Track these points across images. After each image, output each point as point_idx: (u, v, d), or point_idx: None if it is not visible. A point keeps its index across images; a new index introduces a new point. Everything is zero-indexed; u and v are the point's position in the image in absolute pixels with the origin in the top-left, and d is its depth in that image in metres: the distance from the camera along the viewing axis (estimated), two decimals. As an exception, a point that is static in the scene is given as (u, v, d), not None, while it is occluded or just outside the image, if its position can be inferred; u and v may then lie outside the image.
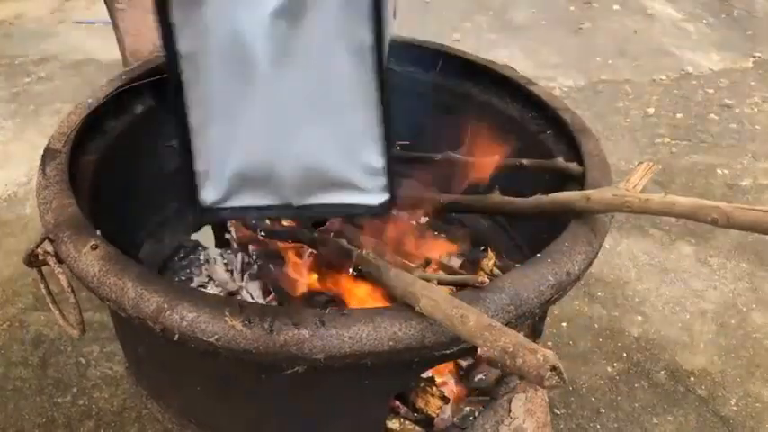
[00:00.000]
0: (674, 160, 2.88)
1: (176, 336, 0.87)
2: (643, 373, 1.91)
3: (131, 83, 1.38)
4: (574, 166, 1.26)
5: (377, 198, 0.93)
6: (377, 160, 0.91)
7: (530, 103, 1.47)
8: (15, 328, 1.95)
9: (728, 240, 2.40)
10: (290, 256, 1.41)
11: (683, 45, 3.89)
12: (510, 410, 1.28)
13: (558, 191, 1.14)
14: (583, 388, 1.86)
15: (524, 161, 1.36)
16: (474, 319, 0.78)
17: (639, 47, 3.85)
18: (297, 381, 0.95)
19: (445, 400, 1.22)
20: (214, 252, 1.61)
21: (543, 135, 1.43)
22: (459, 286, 0.96)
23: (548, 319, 2.03)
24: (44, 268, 1.05)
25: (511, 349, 0.71)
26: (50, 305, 1.09)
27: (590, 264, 1.05)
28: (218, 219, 0.93)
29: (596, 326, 2.06)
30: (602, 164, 1.23)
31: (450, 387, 1.25)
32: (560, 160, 1.29)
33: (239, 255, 1.56)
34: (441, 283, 0.95)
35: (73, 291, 1.02)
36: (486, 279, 0.93)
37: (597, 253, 1.07)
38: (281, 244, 1.41)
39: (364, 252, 1.05)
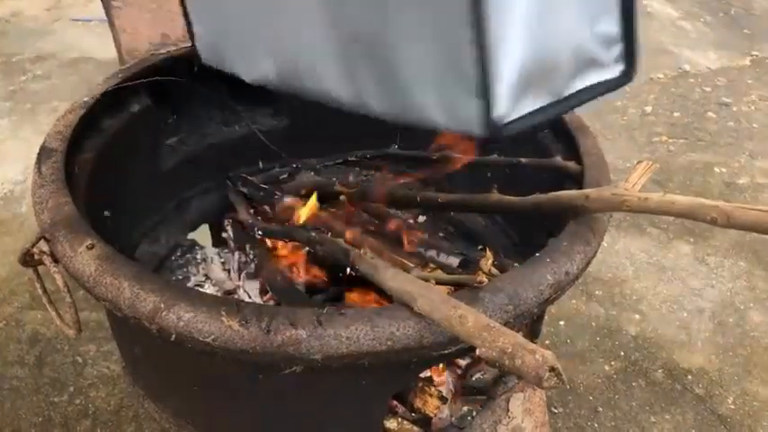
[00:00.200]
0: (671, 159, 2.88)
1: (173, 336, 0.87)
2: (641, 372, 1.91)
3: (128, 81, 1.37)
4: (572, 164, 1.26)
5: (615, 70, 0.92)
6: (614, 29, 0.89)
7: (528, 101, 1.46)
8: (11, 327, 1.94)
9: (726, 239, 2.40)
10: (288, 255, 1.41)
11: (680, 43, 3.89)
12: (508, 410, 1.28)
13: (556, 190, 1.14)
14: (581, 387, 1.86)
15: (522, 160, 1.35)
16: (472, 319, 0.78)
17: (637, 45, 3.84)
18: (294, 381, 0.95)
19: (443, 399, 1.22)
20: (211, 251, 1.61)
21: (541, 133, 1.42)
22: (458, 286, 0.96)
23: (545, 317, 2.03)
24: (40, 268, 1.05)
25: (509, 350, 0.71)
26: (46, 305, 1.08)
27: (588, 263, 1.04)
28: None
29: (594, 325, 2.06)
30: (600, 162, 1.23)
31: (448, 387, 1.25)
32: (558, 159, 1.29)
33: (236, 254, 1.55)
34: (439, 282, 0.94)
35: (69, 290, 1.02)
36: (484, 279, 0.92)
37: (596, 252, 1.06)
38: (278, 243, 1.41)
39: (361, 251, 1.05)
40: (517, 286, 0.93)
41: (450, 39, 0.80)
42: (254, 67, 1.11)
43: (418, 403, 1.21)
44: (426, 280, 0.93)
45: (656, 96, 3.36)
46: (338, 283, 1.30)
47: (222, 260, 1.58)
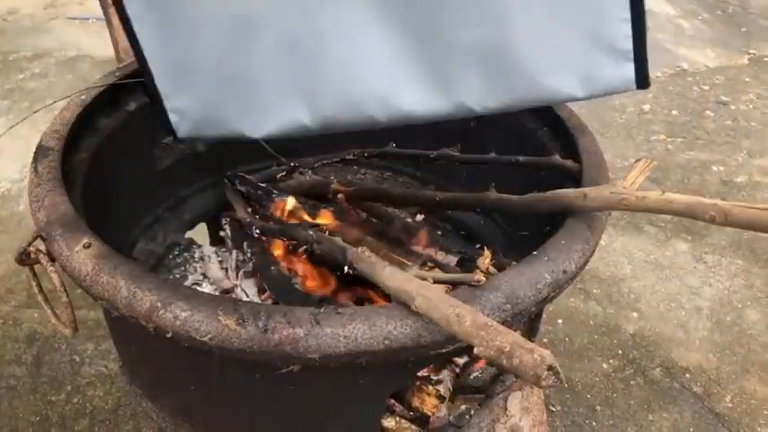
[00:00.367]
0: (669, 157, 2.88)
1: (169, 335, 0.87)
2: (638, 371, 1.91)
3: (125, 80, 1.36)
4: (570, 163, 1.25)
5: None
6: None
7: (526, 99, 1.46)
8: (9, 325, 1.94)
9: (724, 237, 2.40)
10: (286, 253, 1.41)
11: (678, 41, 3.89)
12: (506, 409, 1.28)
13: (554, 188, 1.14)
14: (579, 385, 1.86)
15: (520, 158, 1.35)
16: (470, 318, 0.77)
17: (635, 43, 3.84)
18: (292, 380, 0.94)
19: (441, 398, 1.22)
20: (209, 250, 1.60)
21: (540, 132, 1.42)
22: (456, 285, 0.96)
23: (543, 316, 2.03)
24: (36, 266, 1.05)
25: (507, 349, 0.70)
26: (43, 304, 1.08)
27: (587, 262, 1.04)
28: None
29: (592, 323, 2.06)
30: (598, 161, 1.23)
31: (446, 385, 1.25)
32: (557, 157, 1.29)
33: (234, 252, 1.55)
34: (436, 281, 0.94)
35: (65, 289, 1.01)
36: (482, 277, 0.92)
37: (594, 251, 1.06)
38: (276, 242, 1.41)
39: (359, 250, 1.04)
40: (515, 285, 0.93)
41: (600, 23, 0.96)
42: (272, 120, 1.05)
43: (416, 402, 1.21)
44: (424, 279, 0.92)
45: (655, 95, 3.36)
46: (336, 281, 1.30)
47: (220, 259, 1.57)
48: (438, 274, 1.14)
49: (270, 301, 1.41)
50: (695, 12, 4.27)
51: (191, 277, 1.53)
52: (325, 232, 1.23)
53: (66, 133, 1.19)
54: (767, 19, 4.22)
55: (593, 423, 1.76)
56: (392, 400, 1.21)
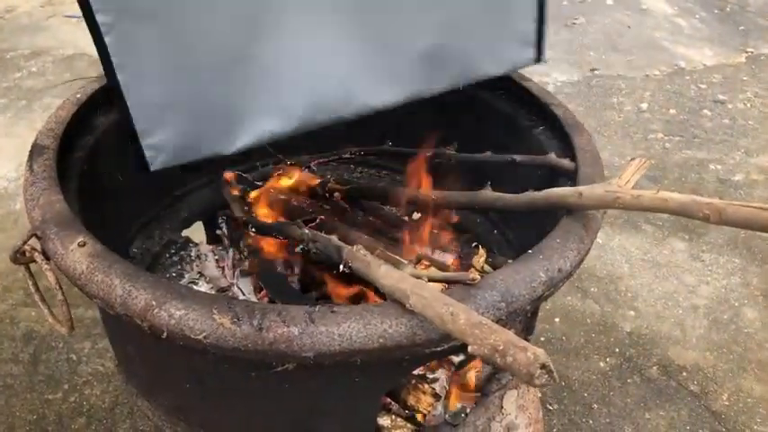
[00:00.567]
0: (666, 156, 2.89)
1: (164, 333, 0.87)
2: (635, 369, 1.91)
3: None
4: (566, 161, 1.26)
5: None
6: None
7: (522, 98, 1.47)
8: (6, 324, 1.94)
9: (721, 236, 2.41)
10: (282, 252, 1.40)
11: (676, 40, 3.89)
12: (502, 407, 1.28)
13: (550, 187, 1.14)
14: (576, 383, 1.86)
15: (516, 157, 1.35)
16: (464, 316, 0.77)
17: (633, 42, 3.85)
18: (286, 378, 0.94)
19: (437, 397, 1.22)
20: (205, 248, 1.60)
21: (536, 130, 1.42)
22: (450, 283, 0.96)
23: (540, 314, 2.03)
24: (32, 265, 1.04)
25: (501, 347, 0.71)
26: (39, 302, 1.08)
27: (582, 260, 1.04)
28: None
29: (589, 321, 2.06)
30: (594, 159, 1.23)
31: (442, 384, 1.25)
32: (552, 156, 1.29)
33: (230, 251, 1.55)
34: (431, 280, 0.94)
35: (60, 288, 1.01)
36: (476, 276, 0.92)
37: (589, 249, 1.06)
38: (272, 240, 1.41)
39: (355, 248, 1.04)
40: (510, 283, 0.93)
41: (515, 24, 1.36)
42: (246, 134, 1.13)
43: (411, 401, 1.21)
44: (419, 277, 0.92)
45: (652, 93, 3.36)
46: (332, 280, 1.30)
47: (216, 257, 1.57)
48: (433, 272, 1.13)
49: (266, 300, 1.42)
50: (693, 10, 4.27)
51: (187, 276, 1.53)
52: (320, 231, 1.23)
53: (61, 132, 1.19)
54: (765, 17, 4.22)
55: (590, 421, 1.76)
56: (388, 399, 1.21)
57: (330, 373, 0.97)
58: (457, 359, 1.27)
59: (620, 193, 1.00)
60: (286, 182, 1.57)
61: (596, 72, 3.53)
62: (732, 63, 3.70)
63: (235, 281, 1.50)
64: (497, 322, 0.89)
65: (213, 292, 1.46)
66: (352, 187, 1.53)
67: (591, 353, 1.96)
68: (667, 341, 2.01)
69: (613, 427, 1.75)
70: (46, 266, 1.00)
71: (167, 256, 1.56)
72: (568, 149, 1.28)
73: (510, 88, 1.49)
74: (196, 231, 1.67)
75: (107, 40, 0.98)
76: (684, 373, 1.91)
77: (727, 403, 1.83)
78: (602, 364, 1.93)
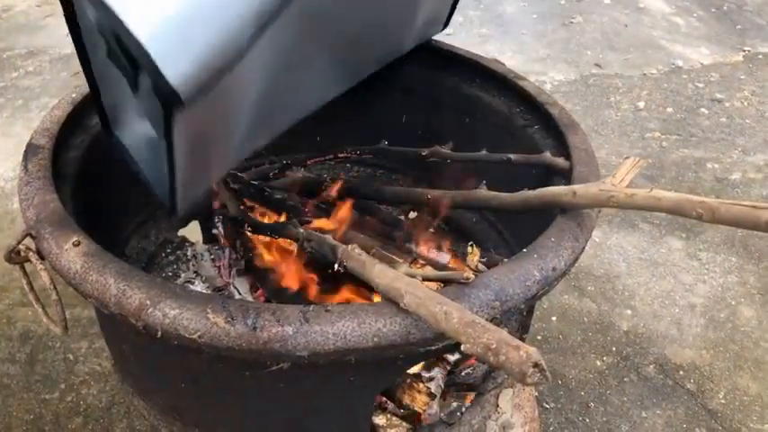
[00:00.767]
0: (664, 154, 2.89)
1: (159, 333, 0.87)
2: (632, 367, 1.92)
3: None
4: (561, 160, 1.26)
5: None
6: None
7: (517, 97, 1.47)
8: (3, 324, 1.94)
9: (718, 234, 2.41)
10: (277, 251, 1.41)
11: (673, 39, 3.90)
12: (497, 405, 1.28)
13: (545, 185, 1.14)
14: (572, 382, 1.86)
15: (512, 156, 1.35)
16: (457, 315, 0.77)
17: (630, 40, 3.85)
18: (281, 378, 0.95)
19: (432, 396, 1.22)
20: (201, 248, 1.60)
21: (531, 129, 1.42)
22: (445, 282, 0.96)
23: (537, 313, 2.04)
24: (27, 265, 1.04)
25: (494, 346, 0.71)
26: (33, 302, 1.08)
27: (576, 259, 1.04)
28: None
29: (586, 320, 2.06)
30: (589, 158, 1.23)
31: (437, 382, 1.25)
32: (547, 155, 1.29)
33: (227, 250, 1.55)
34: (425, 279, 0.94)
35: (55, 288, 1.01)
36: (471, 275, 0.92)
37: (584, 248, 1.06)
38: (268, 239, 1.41)
39: (350, 247, 1.04)
40: (504, 282, 0.93)
41: (435, 11, 1.54)
42: (239, 156, 1.20)
43: (407, 399, 1.21)
44: (413, 276, 0.92)
45: (649, 92, 3.36)
46: (328, 279, 1.30)
47: (212, 257, 1.57)
48: (427, 271, 1.14)
49: (263, 299, 1.42)
50: (690, 9, 4.28)
51: (183, 275, 1.53)
52: (315, 230, 1.23)
53: (56, 131, 1.19)
54: (762, 16, 4.22)
55: (587, 420, 1.77)
56: (383, 398, 1.21)
57: (325, 373, 0.97)
58: (453, 358, 1.27)
59: (614, 192, 1.00)
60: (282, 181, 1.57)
61: (593, 71, 3.54)
62: (729, 62, 3.70)
63: (231, 280, 1.50)
64: (492, 321, 0.90)
65: (209, 292, 1.46)
66: (349, 186, 1.53)
67: (588, 351, 1.96)
68: (664, 340, 2.01)
69: (610, 426, 1.75)
70: (40, 266, 1.00)
71: (163, 255, 1.56)
72: (563, 148, 1.28)
73: (505, 87, 1.49)
74: (192, 231, 1.67)
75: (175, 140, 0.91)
76: (681, 372, 1.91)
77: (723, 401, 1.83)
78: (598, 362, 1.93)
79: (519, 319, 1.30)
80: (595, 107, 3.22)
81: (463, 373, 1.27)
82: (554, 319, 2.06)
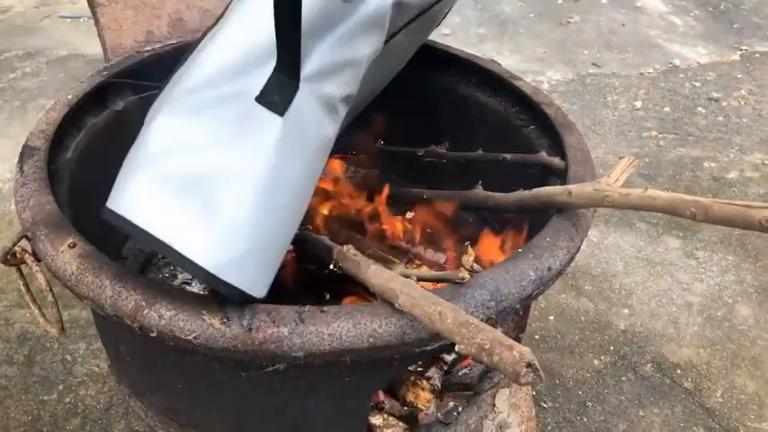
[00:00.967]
0: (661, 153, 2.89)
1: (154, 334, 0.87)
2: (630, 366, 1.92)
3: (112, 79, 1.36)
4: (556, 160, 1.26)
5: None
6: None
7: (513, 97, 1.47)
8: (0, 325, 1.94)
9: (715, 233, 2.41)
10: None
11: (670, 38, 3.90)
12: (494, 405, 1.28)
13: (541, 185, 1.14)
14: (570, 381, 1.86)
15: (507, 156, 1.35)
16: (451, 315, 0.78)
17: (627, 40, 3.85)
18: (277, 378, 0.95)
19: (435, 393, 1.22)
20: (199, 248, 1.60)
21: (527, 129, 1.42)
22: (440, 282, 0.96)
23: (534, 312, 2.04)
24: (24, 266, 1.05)
25: (488, 346, 0.71)
26: (30, 303, 1.08)
27: (572, 259, 1.05)
28: None
29: (583, 319, 2.07)
30: (584, 158, 1.23)
31: (434, 382, 1.25)
32: (543, 155, 1.29)
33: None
34: (421, 279, 0.94)
35: (51, 289, 1.01)
36: (466, 275, 0.92)
37: (579, 248, 1.06)
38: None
39: (345, 248, 1.05)
40: (499, 282, 0.93)
41: None
42: None
43: (410, 397, 1.21)
44: (408, 277, 0.92)
45: (647, 91, 3.37)
46: (324, 280, 1.30)
47: (210, 258, 1.57)
48: (422, 271, 1.14)
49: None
50: (687, 8, 4.28)
51: (180, 276, 1.53)
52: (309, 230, 1.23)
53: (52, 133, 1.19)
54: (759, 15, 4.22)
55: (584, 419, 1.77)
56: (382, 397, 1.21)
57: (320, 373, 0.97)
58: (449, 358, 1.27)
59: (608, 192, 1.00)
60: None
61: (591, 70, 3.54)
62: (726, 61, 3.71)
63: (228, 281, 1.50)
64: (487, 321, 0.90)
65: (205, 293, 1.46)
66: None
67: (585, 351, 1.96)
68: (661, 339, 2.01)
69: (608, 425, 1.76)
70: (36, 268, 1.00)
71: (160, 256, 1.56)
72: (559, 148, 1.29)
73: (501, 87, 1.50)
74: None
75: None
76: (678, 371, 1.91)
77: (720, 400, 1.83)
78: (596, 361, 1.93)
79: (515, 318, 1.30)
80: (592, 106, 3.22)
81: (460, 373, 1.27)
82: (551, 318, 2.06)
